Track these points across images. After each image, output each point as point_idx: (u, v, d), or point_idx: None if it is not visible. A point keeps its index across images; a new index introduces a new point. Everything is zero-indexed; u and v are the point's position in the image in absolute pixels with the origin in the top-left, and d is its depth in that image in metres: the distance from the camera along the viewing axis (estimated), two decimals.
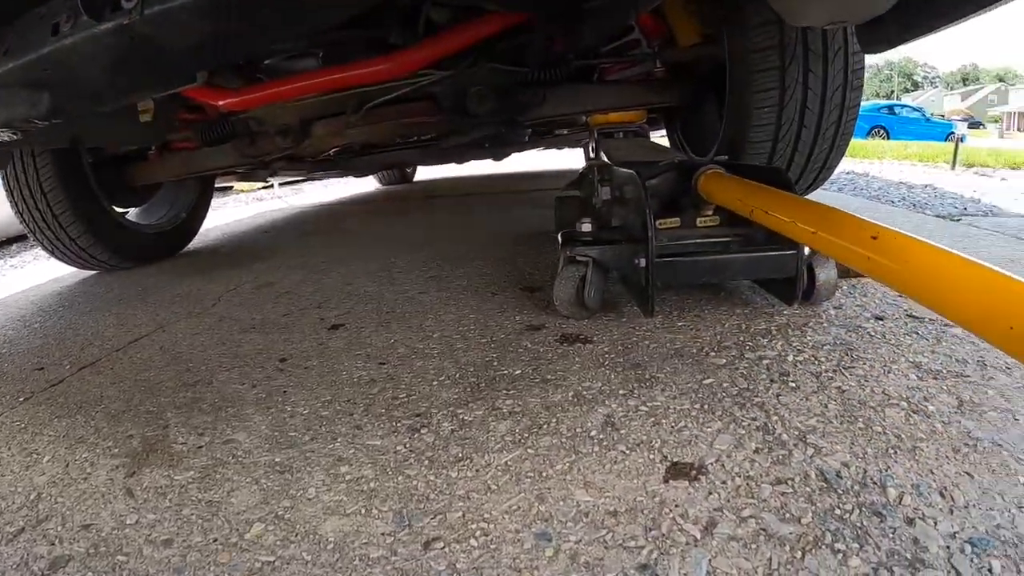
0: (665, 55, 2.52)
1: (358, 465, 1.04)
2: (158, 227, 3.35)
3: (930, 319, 1.52)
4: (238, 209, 6.16)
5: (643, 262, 1.44)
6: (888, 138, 19.65)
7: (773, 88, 2.07)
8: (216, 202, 4.27)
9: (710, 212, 1.64)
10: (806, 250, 1.50)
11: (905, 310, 1.60)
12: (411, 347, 1.55)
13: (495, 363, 1.40)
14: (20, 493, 1.05)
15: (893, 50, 1.69)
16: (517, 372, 1.34)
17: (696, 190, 1.60)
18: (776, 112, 2.12)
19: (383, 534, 0.86)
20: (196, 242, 3.70)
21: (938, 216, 3.60)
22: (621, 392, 1.22)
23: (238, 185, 8.15)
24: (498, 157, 4.48)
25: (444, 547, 0.82)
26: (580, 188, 2.15)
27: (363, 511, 0.91)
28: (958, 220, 3.45)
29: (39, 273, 3.26)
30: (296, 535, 0.87)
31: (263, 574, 0.80)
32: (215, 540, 0.87)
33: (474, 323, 1.69)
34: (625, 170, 1.64)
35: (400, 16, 2.10)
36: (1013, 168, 7.23)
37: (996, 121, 51.20)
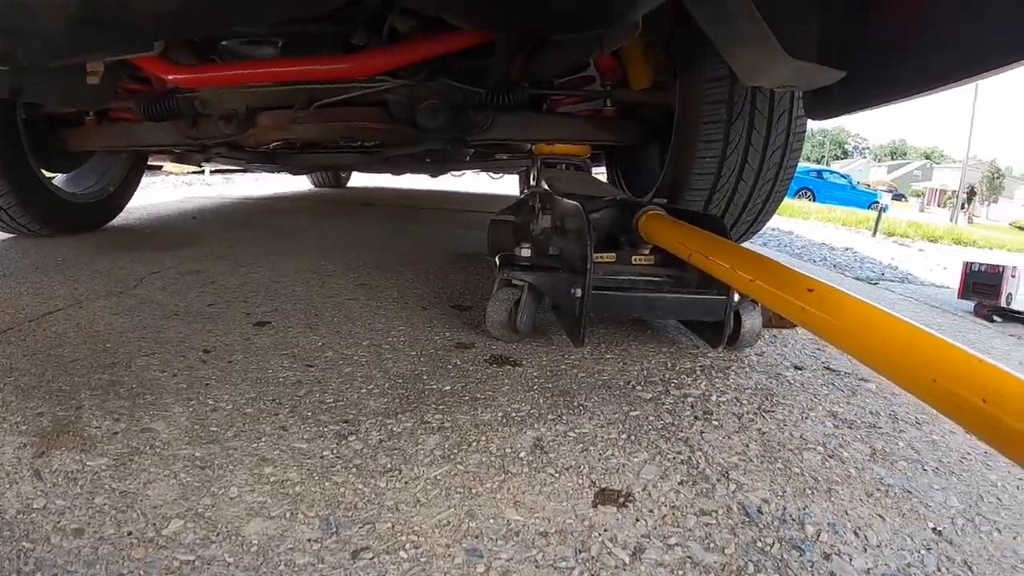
0: (617, 95, 2.58)
1: (283, 467, 1.01)
2: (84, 197, 3.23)
3: (846, 372, 1.60)
4: (166, 191, 5.99)
5: (579, 292, 1.47)
6: (814, 200, 20.43)
7: (717, 140, 2.15)
8: (144, 181, 4.14)
9: (647, 251, 1.68)
10: (735, 296, 1.55)
11: (823, 363, 1.68)
12: (339, 352, 1.53)
13: (424, 377, 1.40)
14: None
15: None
16: (447, 388, 1.34)
17: (637, 228, 1.64)
18: (718, 163, 2.19)
19: (309, 540, 0.84)
20: (120, 219, 3.58)
21: (856, 278, 3.77)
22: (550, 417, 1.23)
23: (168, 166, 7.92)
24: (436, 173, 4.49)
25: (373, 557, 0.81)
26: (516, 214, 2.17)
27: (288, 515, 0.89)
28: (875, 284, 3.62)
29: None
30: (217, 535, 0.84)
31: (181, 574, 0.77)
32: (130, 534, 0.83)
33: (404, 335, 1.68)
34: (570, 201, 1.67)
35: (366, 18, 2.09)
36: (931, 241, 7.65)
37: (919, 195, 54.22)
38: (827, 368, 1.65)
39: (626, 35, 1.76)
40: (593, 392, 1.36)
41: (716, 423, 1.26)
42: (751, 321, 1.64)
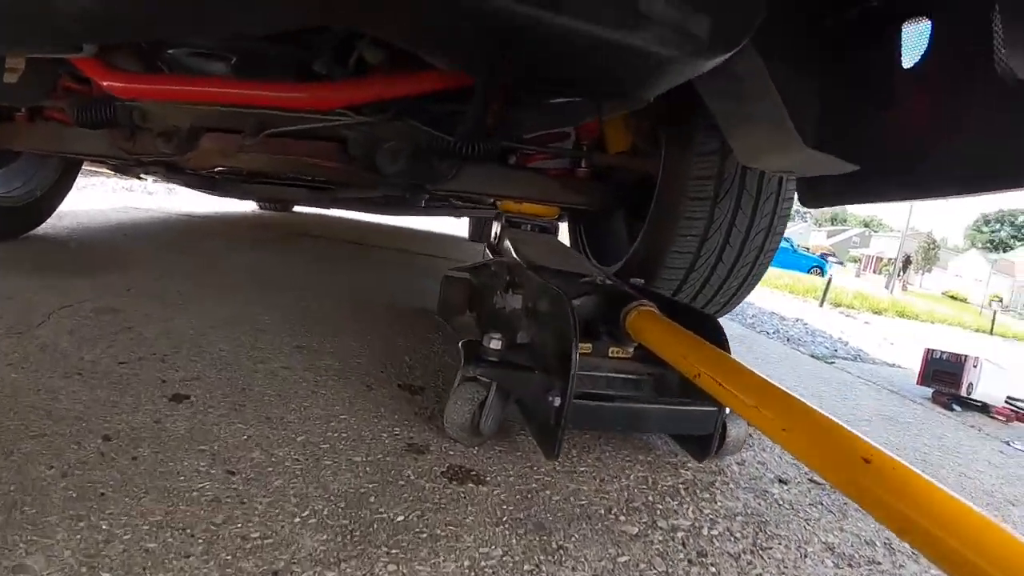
0: (592, 157, 2.42)
1: None
2: (7, 201, 2.94)
3: (831, 486, 1.50)
4: (103, 196, 5.62)
5: (558, 401, 1.26)
6: None
7: (701, 218, 2.01)
8: (81, 181, 3.80)
9: (631, 349, 1.50)
10: (727, 408, 1.38)
11: (805, 473, 1.58)
12: (269, 452, 1.26)
13: (372, 499, 1.14)
14: None
15: None
16: (400, 518, 1.09)
17: (623, 325, 1.44)
18: (698, 242, 2.06)
19: None
20: (49, 225, 3.29)
21: (812, 356, 3.74)
22: (526, 568, 1.01)
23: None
24: (389, 214, 4.29)
25: None
26: (473, 275, 1.98)
27: None
28: (831, 363, 3.62)
29: None
30: None
31: None
32: None
33: (346, 428, 1.42)
34: (550, 286, 1.47)
35: (333, 44, 1.88)
36: (876, 312, 7.83)
37: (856, 261, 57.10)
38: (811, 480, 1.54)
39: (628, 107, 1.60)
40: (572, 526, 1.15)
41: (713, 569, 1.09)
42: (737, 430, 1.49)
